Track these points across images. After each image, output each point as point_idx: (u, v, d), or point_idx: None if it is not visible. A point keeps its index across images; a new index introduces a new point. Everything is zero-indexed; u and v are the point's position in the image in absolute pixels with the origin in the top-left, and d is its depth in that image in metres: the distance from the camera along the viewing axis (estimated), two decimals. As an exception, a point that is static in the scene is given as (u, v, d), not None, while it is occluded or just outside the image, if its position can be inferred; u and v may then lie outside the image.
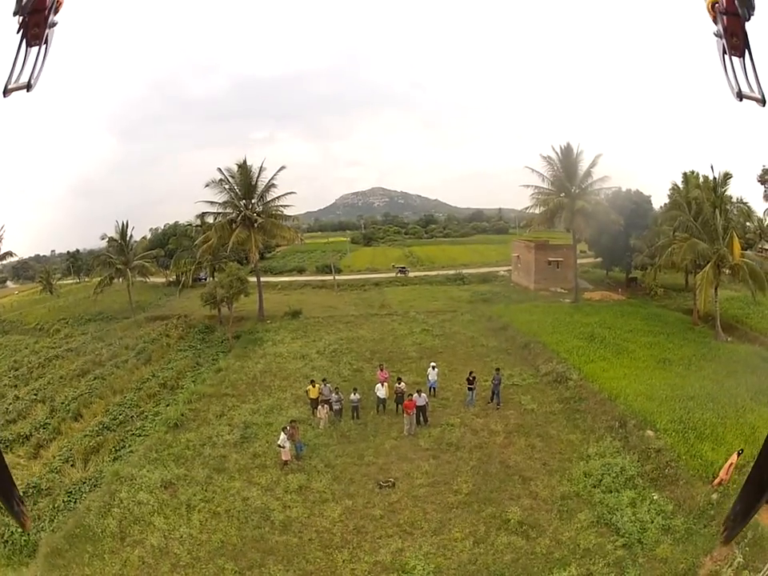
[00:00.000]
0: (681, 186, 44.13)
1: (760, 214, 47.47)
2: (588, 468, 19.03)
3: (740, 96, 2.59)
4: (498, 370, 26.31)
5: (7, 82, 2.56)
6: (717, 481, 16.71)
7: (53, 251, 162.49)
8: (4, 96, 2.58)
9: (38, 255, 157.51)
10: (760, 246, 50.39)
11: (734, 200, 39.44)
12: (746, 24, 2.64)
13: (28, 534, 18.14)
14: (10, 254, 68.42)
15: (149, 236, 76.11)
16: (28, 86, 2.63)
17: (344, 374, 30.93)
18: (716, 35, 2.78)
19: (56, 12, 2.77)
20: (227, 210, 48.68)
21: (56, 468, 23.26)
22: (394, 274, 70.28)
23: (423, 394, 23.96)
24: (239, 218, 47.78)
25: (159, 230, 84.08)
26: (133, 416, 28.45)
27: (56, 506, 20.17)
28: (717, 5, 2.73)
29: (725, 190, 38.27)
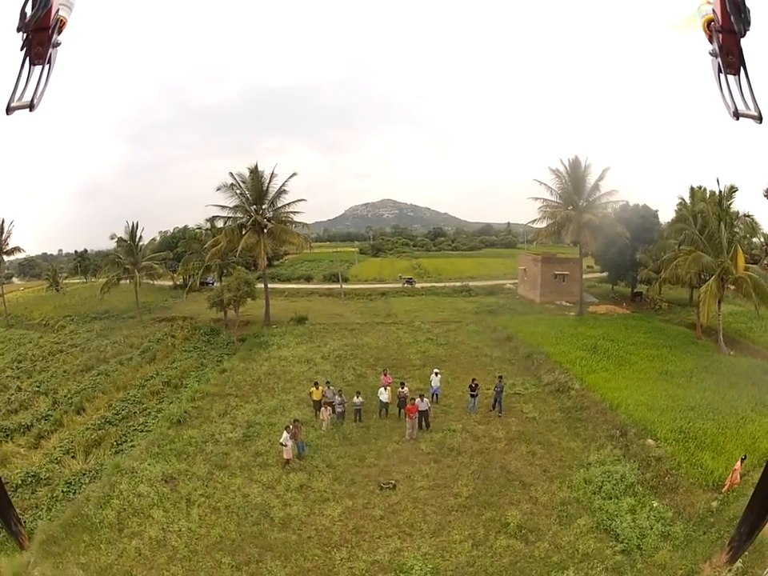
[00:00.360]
0: (687, 199, 44.21)
1: (766, 229, 47.30)
2: (588, 475, 19.03)
3: (737, 115, 2.75)
4: (500, 377, 26.37)
5: (10, 100, 2.69)
6: (726, 486, 16.75)
7: (60, 250, 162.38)
8: (7, 114, 2.71)
9: (45, 254, 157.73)
10: (766, 261, 50.22)
11: (741, 214, 39.34)
12: (742, 41, 2.78)
13: (24, 522, 18.23)
14: (18, 249, 68.89)
15: (158, 239, 76.25)
16: (30, 106, 2.75)
17: (348, 379, 31.02)
18: (711, 54, 2.93)
19: (59, 32, 2.92)
20: (237, 215, 49.12)
21: (56, 459, 23.32)
22: (400, 285, 70.44)
23: (426, 399, 24.09)
24: (249, 222, 48.19)
25: (168, 233, 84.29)
26: (136, 412, 28.55)
27: (54, 495, 20.20)
28: (713, 23, 2.90)
29: (730, 204, 38.35)
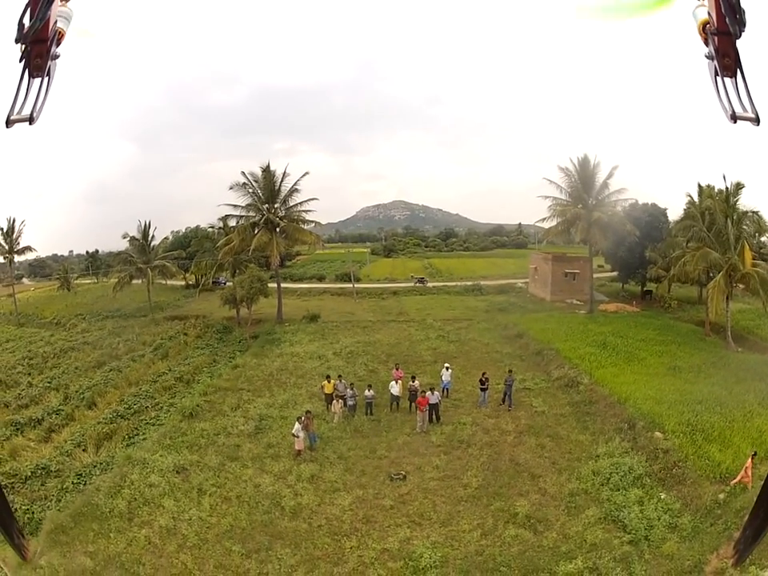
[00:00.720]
0: (696, 197, 44.17)
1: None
2: (596, 467, 19.12)
3: (734, 118, 2.79)
4: (510, 371, 26.51)
5: (9, 112, 2.72)
6: (736, 480, 16.74)
7: (71, 251, 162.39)
8: (7, 127, 2.75)
9: (56, 255, 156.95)
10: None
11: (749, 212, 39.28)
12: (738, 42, 2.81)
13: (33, 512, 18.44)
14: (29, 248, 69.51)
15: (170, 238, 76.56)
16: (30, 119, 2.78)
17: (360, 374, 31.24)
18: (708, 57, 2.97)
19: (58, 44, 2.94)
20: (250, 213, 49.52)
21: (67, 451, 23.35)
22: (412, 284, 70.68)
23: (436, 392, 24.28)
24: (262, 221, 48.51)
25: (180, 233, 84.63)
26: (148, 406, 28.70)
27: (64, 486, 20.27)
28: (708, 26, 2.93)
29: (737, 200, 38.40)
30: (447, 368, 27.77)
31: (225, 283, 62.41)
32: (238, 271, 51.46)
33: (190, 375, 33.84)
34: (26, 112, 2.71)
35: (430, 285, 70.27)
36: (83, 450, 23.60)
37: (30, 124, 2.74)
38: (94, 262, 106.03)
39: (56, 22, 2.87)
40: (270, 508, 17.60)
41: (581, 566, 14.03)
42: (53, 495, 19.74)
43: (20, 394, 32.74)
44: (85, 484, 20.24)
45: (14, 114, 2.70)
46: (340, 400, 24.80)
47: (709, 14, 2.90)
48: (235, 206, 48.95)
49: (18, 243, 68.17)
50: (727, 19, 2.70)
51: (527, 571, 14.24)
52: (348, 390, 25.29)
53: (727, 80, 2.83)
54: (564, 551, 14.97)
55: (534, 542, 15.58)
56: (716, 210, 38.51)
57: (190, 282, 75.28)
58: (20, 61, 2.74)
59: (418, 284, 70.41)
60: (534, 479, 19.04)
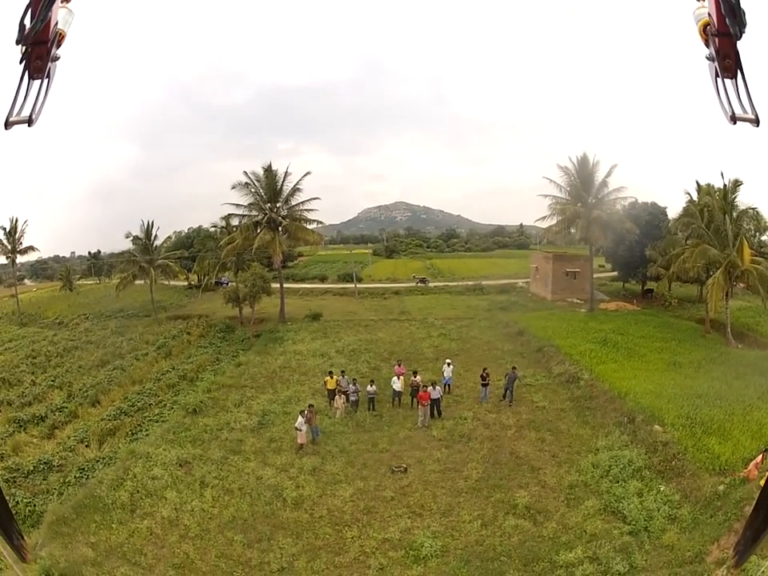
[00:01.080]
0: (695, 195, 44.36)
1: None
2: (596, 460, 19.23)
3: (734, 119, 2.78)
4: (514, 368, 26.65)
5: (9, 114, 2.71)
6: (745, 472, 16.75)
7: (72, 252, 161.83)
8: (6, 128, 2.73)
9: (58, 256, 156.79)
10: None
11: (747, 209, 39.39)
12: (738, 43, 2.80)
13: (34, 505, 18.59)
14: (31, 248, 69.58)
15: (173, 237, 76.51)
16: (29, 121, 2.77)
17: (362, 371, 31.35)
18: (708, 59, 2.96)
19: (58, 45, 2.93)
20: (252, 212, 49.62)
21: (70, 447, 23.63)
22: (414, 284, 70.82)
23: (438, 388, 24.50)
24: (264, 220, 48.69)
25: (183, 233, 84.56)
26: (151, 404, 28.92)
27: (67, 480, 20.52)
28: (708, 27, 2.92)
29: (735, 197, 38.52)
30: (449, 364, 27.87)
31: (227, 283, 62.47)
32: (240, 270, 51.61)
33: (193, 373, 34.01)
34: (26, 114, 2.71)
35: (431, 285, 70.33)
36: (86, 446, 23.84)
37: (29, 126, 2.74)
38: (96, 263, 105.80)
39: (57, 23, 2.87)
40: (272, 499, 17.76)
41: (581, 556, 14.12)
42: (55, 489, 19.98)
43: (23, 392, 32.98)
44: (87, 478, 20.42)
45: (13, 116, 2.70)
46: (342, 395, 24.96)
47: (709, 15, 2.91)
48: (238, 205, 49.08)
49: (21, 243, 68.27)
50: (727, 20, 2.72)
51: (527, 561, 14.35)
52: (350, 385, 25.46)
53: (727, 81, 2.83)
54: (564, 541, 15.09)
55: (534, 532, 15.71)
56: (714, 207, 38.64)
57: (193, 282, 75.33)
58: (20, 62, 2.74)
59: (419, 284, 70.52)
60: (534, 472, 19.18)
